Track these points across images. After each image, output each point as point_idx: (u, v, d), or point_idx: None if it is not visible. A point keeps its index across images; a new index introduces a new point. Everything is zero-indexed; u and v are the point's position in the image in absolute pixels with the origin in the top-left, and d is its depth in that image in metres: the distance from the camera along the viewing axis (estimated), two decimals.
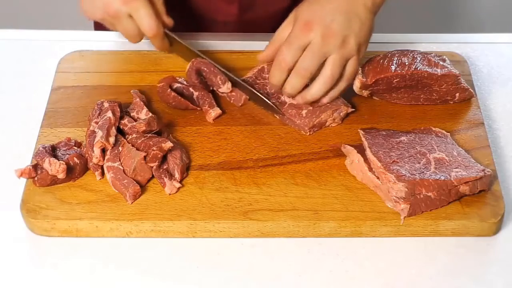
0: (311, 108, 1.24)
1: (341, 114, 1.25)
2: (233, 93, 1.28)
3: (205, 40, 1.41)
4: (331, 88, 1.23)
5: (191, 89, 1.27)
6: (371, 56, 1.27)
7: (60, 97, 1.29)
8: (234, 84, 1.28)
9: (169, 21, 1.31)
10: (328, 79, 1.21)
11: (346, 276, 1.09)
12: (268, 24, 1.51)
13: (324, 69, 1.21)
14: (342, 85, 1.23)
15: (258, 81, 1.29)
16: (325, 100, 1.24)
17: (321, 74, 1.21)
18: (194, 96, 1.27)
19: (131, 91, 1.26)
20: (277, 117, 1.26)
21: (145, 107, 1.23)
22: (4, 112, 1.30)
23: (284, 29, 1.25)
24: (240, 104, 1.28)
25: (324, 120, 1.24)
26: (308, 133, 1.23)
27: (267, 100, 1.26)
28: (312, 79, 1.21)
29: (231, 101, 1.28)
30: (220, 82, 1.27)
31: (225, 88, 1.27)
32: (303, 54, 1.20)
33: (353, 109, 1.26)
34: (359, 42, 1.21)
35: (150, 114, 1.21)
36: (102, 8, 1.26)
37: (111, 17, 1.26)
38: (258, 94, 1.26)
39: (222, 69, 1.29)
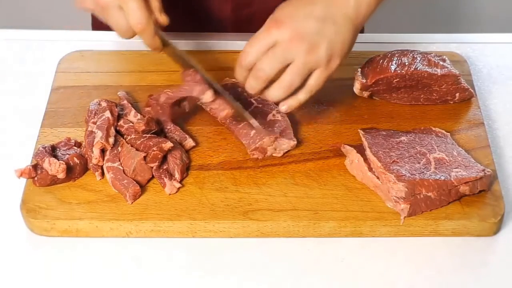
0: (260, 129, 1.19)
1: (283, 146, 1.20)
2: (215, 105, 1.20)
3: (200, 40, 1.40)
4: (290, 95, 1.15)
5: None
6: (371, 56, 1.27)
7: (60, 97, 1.29)
8: (218, 94, 1.20)
9: (163, 19, 1.19)
10: (285, 86, 1.13)
11: (346, 276, 1.09)
12: (264, 21, 1.50)
13: (284, 74, 1.12)
14: (302, 97, 1.15)
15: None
16: (283, 108, 1.17)
17: (280, 79, 1.13)
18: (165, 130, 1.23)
19: (118, 92, 1.26)
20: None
21: (133, 108, 1.23)
22: (4, 112, 1.30)
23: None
24: (221, 118, 1.21)
25: (265, 146, 1.18)
26: (255, 156, 1.19)
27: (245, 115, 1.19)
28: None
29: (212, 114, 1.23)
30: (201, 91, 1.18)
31: (206, 98, 1.18)
32: (265, 55, 1.12)
33: (295, 142, 1.19)
34: (331, 52, 1.12)
35: (139, 116, 1.21)
36: None
37: (101, 8, 1.15)
38: (238, 107, 1.19)
39: (207, 78, 1.21)
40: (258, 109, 1.24)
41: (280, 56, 1.12)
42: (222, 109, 1.19)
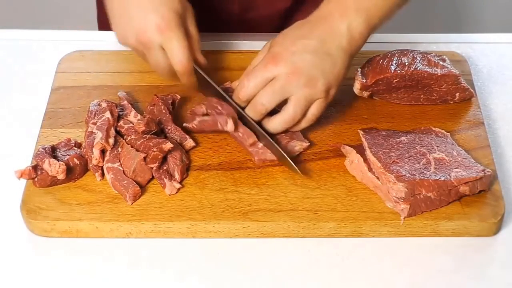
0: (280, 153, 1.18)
1: (295, 148, 1.20)
2: (239, 133, 1.20)
3: (206, 40, 1.40)
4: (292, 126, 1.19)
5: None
6: (371, 56, 1.27)
7: (60, 97, 1.29)
8: (241, 118, 1.20)
9: (202, 59, 1.24)
10: (289, 118, 1.17)
11: (346, 276, 1.09)
12: (269, 24, 1.51)
13: (286, 107, 1.17)
14: (303, 125, 1.19)
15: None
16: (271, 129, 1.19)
17: (283, 111, 1.17)
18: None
19: (118, 92, 1.26)
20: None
21: (133, 109, 1.23)
22: (4, 112, 1.30)
23: (258, 59, 1.21)
24: (248, 144, 1.19)
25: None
26: (257, 163, 1.19)
27: (282, 151, 1.17)
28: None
29: (237, 141, 1.21)
30: (223, 122, 1.19)
31: (229, 127, 1.19)
32: (264, 88, 1.16)
33: (308, 144, 1.20)
34: (328, 84, 1.16)
35: (139, 116, 1.21)
36: (135, 35, 1.18)
37: (143, 46, 1.19)
38: (275, 144, 1.18)
39: (232, 103, 1.21)
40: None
41: (278, 90, 1.15)
42: (247, 137, 1.19)
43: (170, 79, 1.24)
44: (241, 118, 1.20)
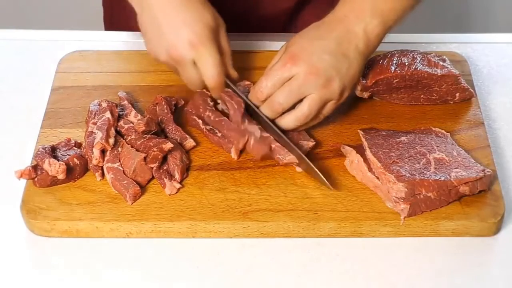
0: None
1: (302, 148, 1.19)
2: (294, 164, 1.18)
3: None
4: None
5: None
6: (371, 57, 1.27)
7: (60, 97, 1.29)
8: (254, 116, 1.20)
9: (234, 74, 1.24)
10: (303, 117, 1.17)
11: (346, 276, 1.09)
12: (273, 24, 1.51)
13: (301, 105, 1.17)
14: (311, 123, 1.20)
15: None
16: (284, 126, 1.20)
17: (297, 109, 1.18)
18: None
19: (118, 92, 1.26)
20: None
21: (133, 109, 1.23)
22: (4, 112, 1.30)
23: (275, 59, 1.21)
24: (283, 163, 1.18)
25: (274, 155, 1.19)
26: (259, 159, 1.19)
27: (315, 169, 1.16)
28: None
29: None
30: (284, 154, 1.17)
31: (289, 159, 1.17)
32: (282, 87, 1.17)
33: (313, 143, 1.20)
34: (343, 85, 1.17)
35: (139, 116, 1.21)
36: (166, 50, 1.18)
37: (175, 62, 1.19)
38: (308, 161, 1.16)
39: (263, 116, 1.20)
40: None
41: (296, 90, 1.16)
42: (284, 154, 1.17)
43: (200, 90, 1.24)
44: (256, 118, 1.20)
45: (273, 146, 1.17)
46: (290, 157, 1.16)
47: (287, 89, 1.16)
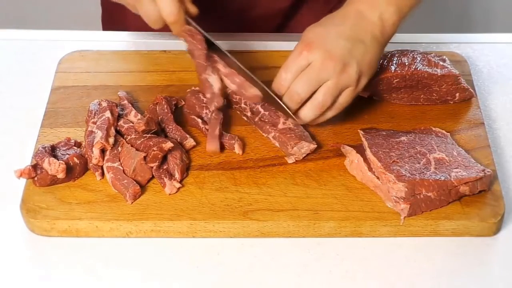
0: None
1: (303, 150, 1.20)
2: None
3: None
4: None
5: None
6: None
7: (60, 97, 1.29)
8: (250, 80, 1.20)
9: (193, 9, 1.19)
10: (318, 106, 1.16)
11: (346, 276, 1.09)
12: (269, 23, 1.50)
13: (316, 94, 1.16)
14: (330, 114, 1.19)
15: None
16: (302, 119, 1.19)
17: (312, 99, 1.16)
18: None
19: (118, 92, 1.26)
20: (290, 120, 1.21)
21: (133, 108, 1.23)
22: (4, 112, 1.30)
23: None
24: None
25: (284, 148, 1.20)
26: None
27: (280, 103, 1.18)
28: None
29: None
30: (247, 88, 1.18)
31: (252, 92, 1.19)
32: (299, 76, 1.15)
33: (315, 146, 1.20)
34: (360, 71, 1.15)
35: (139, 116, 1.21)
36: None
37: (134, 0, 1.16)
38: (274, 96, 1.18)
39: (241, 66, 1.21)
40: (265, 117, 1.23)
41: (313, 78, 1.14)
42: (247, 88, 1.18)
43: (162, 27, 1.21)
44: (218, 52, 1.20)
45: (237, 80, 1.17)
46: (252, 90, 1.16)
47: (304, 78, 1.15)
